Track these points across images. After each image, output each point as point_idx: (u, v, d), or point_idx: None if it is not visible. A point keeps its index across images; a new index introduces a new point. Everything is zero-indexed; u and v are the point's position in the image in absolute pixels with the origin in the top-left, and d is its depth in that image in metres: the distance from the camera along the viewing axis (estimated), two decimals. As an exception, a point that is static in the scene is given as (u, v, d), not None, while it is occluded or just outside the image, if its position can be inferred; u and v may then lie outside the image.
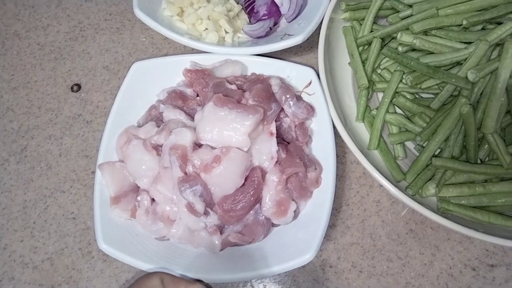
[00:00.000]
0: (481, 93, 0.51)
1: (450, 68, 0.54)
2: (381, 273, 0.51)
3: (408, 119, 0.54)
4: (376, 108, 0.56)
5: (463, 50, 0.51)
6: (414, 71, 0.53)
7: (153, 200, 0.49)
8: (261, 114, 0.47)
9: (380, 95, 0.60)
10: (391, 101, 0.54)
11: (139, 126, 0.54)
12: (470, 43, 0.53)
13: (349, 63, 0.60)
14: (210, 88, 0.51)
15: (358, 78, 0.56)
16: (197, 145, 0.48)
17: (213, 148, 0.47)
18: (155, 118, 0.53)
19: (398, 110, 0.57)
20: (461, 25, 0.54)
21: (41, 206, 0.56)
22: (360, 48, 0.59)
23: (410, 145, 0.56)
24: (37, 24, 0.68)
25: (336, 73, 0.59)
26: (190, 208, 0.45)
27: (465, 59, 0.51)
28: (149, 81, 0.56)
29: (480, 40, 0.50)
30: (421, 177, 0.51)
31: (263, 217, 0.48)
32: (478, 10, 0.53)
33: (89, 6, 0.69)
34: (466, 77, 0.51)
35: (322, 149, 0.52)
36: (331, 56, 0.59)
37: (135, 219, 0.49)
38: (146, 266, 0.46)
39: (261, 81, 0.52)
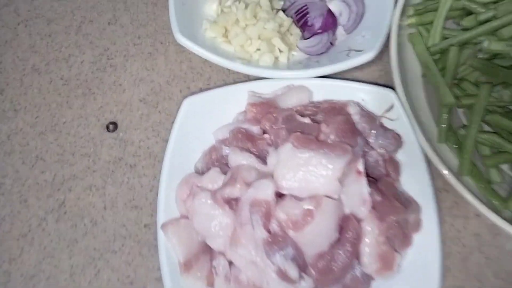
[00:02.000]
0: None
1: (552, 77, 0.47)
2: (494, 319, 0.45)
3: (504, 138, 0.48)
4: (463, 127, 0.49)
5: None
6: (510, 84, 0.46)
7: (230, 262, 0.42)
8: (351, 154, 0.40)
9: (460, 109, 0.53)
10: (481, 119, 0.47)
11: (198, 172, 0.47)
12: None
13: (422, 76, 0.52)
14: (280, 123, 0.44)
15: (442, 95, 0.48)
16: (277, 195, 0.41)
17: (297, 198, 0.40)
18: (217, 162, 0.46)
19: (485, 127, 0.50)
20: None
21: (91, 271, 0.49)
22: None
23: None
24: (57, 55, 0.60)
25: (408, 88, 0.52)
26: (282, 274, 0.38)
27: None
28: (203, 117, 0.48)
29: None
30: (530, 205, 0.45)
31: (361, 273, 0.41)
32: None
33: (113, 30, 0.60)
34: None
35: (414, 183, 0.45)
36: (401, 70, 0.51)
37: None
38: None
39: (338, 111, 0.44)
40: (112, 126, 0.56)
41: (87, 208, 0.52)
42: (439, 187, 0.50)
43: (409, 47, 0.53)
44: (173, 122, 0.50)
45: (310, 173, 0.40)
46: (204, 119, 0.48)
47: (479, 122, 0.47)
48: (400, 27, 0.51)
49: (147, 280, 0.48)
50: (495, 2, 0.51)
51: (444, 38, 0.52)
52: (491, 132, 0.48)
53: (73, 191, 0.53)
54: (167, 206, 0.45)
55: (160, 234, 0.44)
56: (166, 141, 0.52)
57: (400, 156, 0.46)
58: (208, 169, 0.45)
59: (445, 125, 0.49)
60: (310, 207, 0.39)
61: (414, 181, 0.45)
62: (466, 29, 0.50)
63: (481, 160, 0.49)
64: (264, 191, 0.39)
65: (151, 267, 0.49)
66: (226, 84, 0.55)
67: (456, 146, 0.49)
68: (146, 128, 0.55)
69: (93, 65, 0.59)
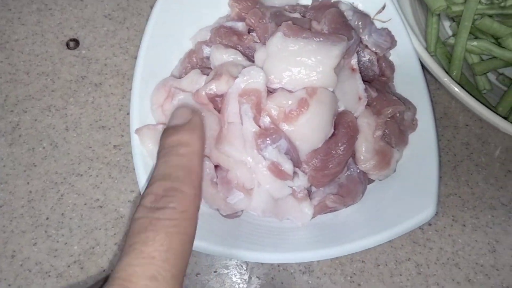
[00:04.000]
0: None
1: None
2: (487, 223, 0.44)
3: (494, 44, 0.47)
4: (453, 35, 0.48)
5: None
6: (500, -15, 0.45)
7: (216, 167, 0.38)
8: (347, 43, 0.37)
9: (446, 24, 0.52)
10: (472, 24, 0.46)
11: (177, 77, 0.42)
12: None
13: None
14: (268, 19, 0.40)
15: (432, 0, 0.47)
16: (269, 91, 0.37)
17: (290, 91, 0.37)
18: (198, 65, 0.42)
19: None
20: None
21: (53, 196, 0.43)
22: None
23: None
24: (5, -32, 0.52)
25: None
26: (276, 169, 0.35)
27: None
28: (180, 20, 0.43)
29: None
30: (519, 109, 0.44)
31: (358, 172, 0.38)
32: None
33: None
34: None
35: (407, 84, 0.43)
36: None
37: (196, 194, 0.38)
38: (223, 251, 0.35)
39: (329, 7, 0.41)
40: (73, 43, 0.49)
41: (46, 130, 0.46)
42: (428, 100, 0.49)
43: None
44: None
45: (304, 64, 0.36)
46: (181, 23, 0.43)
47: (469, 28, 0.46)
48: None
49: (119, 203, 0.43)
50: None
51: None
52: (481, 39, 0.47)
53: (29, 112, 0.46)
54: (141, 115, 0.40)
55: (135, 140, 0.38)
56: (135, 58, 0.47)
57: (393, 57, 0.44)
58: (187, 73, 0.41)
59: (434, 35, 0.48)
60: (305, 96, 0.35)
61: (407, 82, 0.42)
62: None
63: (470, 70, 0.48)
64: (255, 79, 0.35)
65: (123, 189, 0.44)
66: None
67: (445, 58, 0.48)
68: (113, 45, 0.50)
69: (48, -21, 0.52)
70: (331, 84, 0.37)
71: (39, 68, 0.48)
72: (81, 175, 0.44)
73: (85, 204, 0.43)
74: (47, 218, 0.42)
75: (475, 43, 0.47)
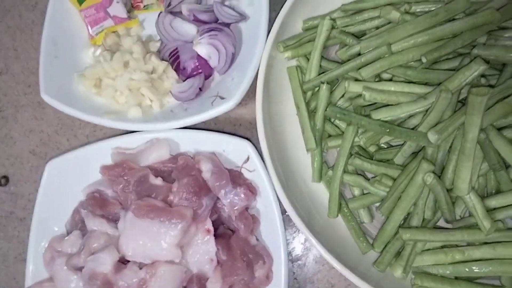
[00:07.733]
0: (450, 147, 0.43)
1: (409, 117, 0.45)
2: None
3: (368, 181, 0.47)
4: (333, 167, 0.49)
5: (421, 101, 0.42)
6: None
7: (89, 324, 0.44)
8: (188, 220, 0.41)
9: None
10: (347, 161, 0.47)
11: (68, 231, 0.48)
12: (430, 83, 0.44)
13: (297, 114, 0.51)
14: (131, 187, 0.44)
15: (306, 139, 0.48)
16: (123, 262, 0.42)
17: (140, 264, 0.41)
18: (80, 223, 0.47)
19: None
20: (419, 60, 0.45)
21: (-15, 324, 0.52)
22: (309, 93, 0.51)
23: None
24: (-49, 110, 0.61)
25: (285, 121, 0.50)
26: None
27: (426, 110, 0.43)
28: (70, 177, 0.49)
29: (441, 90, 0.40)
30: (389, 250, 0.45)
31: (211, 330, 0.42)
32: (439, 40, 0.44)
33: (4, 80, 0.61)
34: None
35: (269, 233, 0.45)
36: (278, 101, 0.50)
37: None
38: None
39: (190, 169, 0.44)
40: (4, 180, 0.57)
41: (-19, 264, 0.54)
42: (313, 229, 0.50)
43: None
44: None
45: (151, 241, 0.41)
46: (73, 178, 0.49)
47: (344, 164, 0.47)
48: (275, 58, 0.49)
49: (33, 333, 0.51)
50: (364, 38, 0.49)
51: (323, 72, 0.50)
52: (357, 174, 0.47)
53: (-33, 247, 0.55)
54: (36, 268, 0.47)
55: (26, 297, 0.46)
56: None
57: (259, 205, 0.46)
58: (73, 230, 0.47)
59: (317, 167, 0.49)
60: (145, 276, 0.40)
61: (269, 230, 0.45)
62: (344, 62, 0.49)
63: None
64: (102, 264, 0.40)
65: (38, 320, 0.51)
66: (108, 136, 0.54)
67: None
68: (36, 181, 0.56)
69: (-16, 118, 0.60)
70: (175, 257, 0.41)
71: (-24, 206, 0.57)
72: (7, 305, 0.52)
73: (9, 331, 0.51)
74: None
75: (350, 177, 0.47)
